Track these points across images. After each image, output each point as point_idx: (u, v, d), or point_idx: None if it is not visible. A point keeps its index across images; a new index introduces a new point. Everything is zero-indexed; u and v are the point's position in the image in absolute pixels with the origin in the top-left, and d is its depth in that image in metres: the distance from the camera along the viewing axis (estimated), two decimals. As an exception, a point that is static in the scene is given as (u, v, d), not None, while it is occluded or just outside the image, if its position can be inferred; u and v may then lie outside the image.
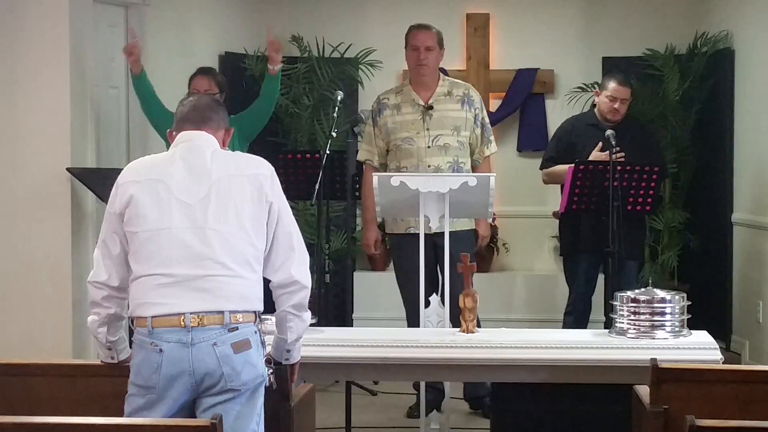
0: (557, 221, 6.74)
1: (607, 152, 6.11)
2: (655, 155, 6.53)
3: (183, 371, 3.37)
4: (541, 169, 6.63)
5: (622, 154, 6.08)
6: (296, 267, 3.57)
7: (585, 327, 6.35)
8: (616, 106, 6.40)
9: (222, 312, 3.41)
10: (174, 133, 3.63)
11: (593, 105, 6.64)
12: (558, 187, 6.42)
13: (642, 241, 6.65)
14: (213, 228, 3.45)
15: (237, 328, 3.42)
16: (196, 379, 3.38)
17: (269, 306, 3.60)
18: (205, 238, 3.44)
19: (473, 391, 6.09)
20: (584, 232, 6.38)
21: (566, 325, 6.41)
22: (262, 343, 3.53)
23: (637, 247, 6.47)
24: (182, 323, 3.38)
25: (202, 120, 3.62)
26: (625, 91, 6.43)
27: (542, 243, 7.99)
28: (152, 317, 3.40)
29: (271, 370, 3.58)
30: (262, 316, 3.55)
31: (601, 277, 6.51)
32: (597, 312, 6.56)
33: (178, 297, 3.40)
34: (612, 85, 6.44)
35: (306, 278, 3.60)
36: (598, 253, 6.26)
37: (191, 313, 3.39)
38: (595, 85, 7.22)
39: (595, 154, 6.27)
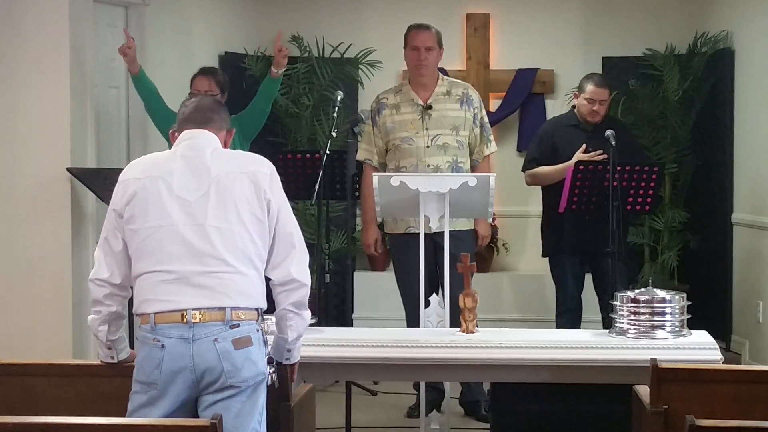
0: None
1: (591, 153, 6.11)
2: (640, 154, 6.54)
3: (184, 367, 3.39)
4: (523, 170, 6.60)
5: (605, 155, 6.06)
6: (295, 265, 3.58)
7: (578, 327, 6.34)
8: (594, 108, 6.37)
9: (223, 308, 3.42)
10: (176, 134, 3.66)
11: (573, 106, 6.63)
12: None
13: (623, 239, 6.59)
14: (213, 225, 3.46)
15: (238, 325, 3.43)
16: (196, 374, 3.39)
17: (270, 306, 3.60)
18: (205, 235, 3.45)
19: (468, 396, 6.08)
20: (567, 233, 6.37)
21: (559, 327, 6.39)
22: (264, 341, 3.53)
23: (621, 246, 6.43)
24: (184, 319, 3.40)
25: (203, 120, 3.64)
26: (603, 93, 6.40)
27: (542, 243, 7.98)
28: (155, 313, 3.42)
29: (273, 369, 3.58)
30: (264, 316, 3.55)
31: (588, 277, 6.50)
32: (588, 312, 6.55)
33: (179, 294, 3.42)
34: (590, 87, 6.40)
35: (305, 276, 3.60)
36: (582, 253, 6.28)
37: (193, 309, 3.40)
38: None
39: (579, 156, 6.25)
